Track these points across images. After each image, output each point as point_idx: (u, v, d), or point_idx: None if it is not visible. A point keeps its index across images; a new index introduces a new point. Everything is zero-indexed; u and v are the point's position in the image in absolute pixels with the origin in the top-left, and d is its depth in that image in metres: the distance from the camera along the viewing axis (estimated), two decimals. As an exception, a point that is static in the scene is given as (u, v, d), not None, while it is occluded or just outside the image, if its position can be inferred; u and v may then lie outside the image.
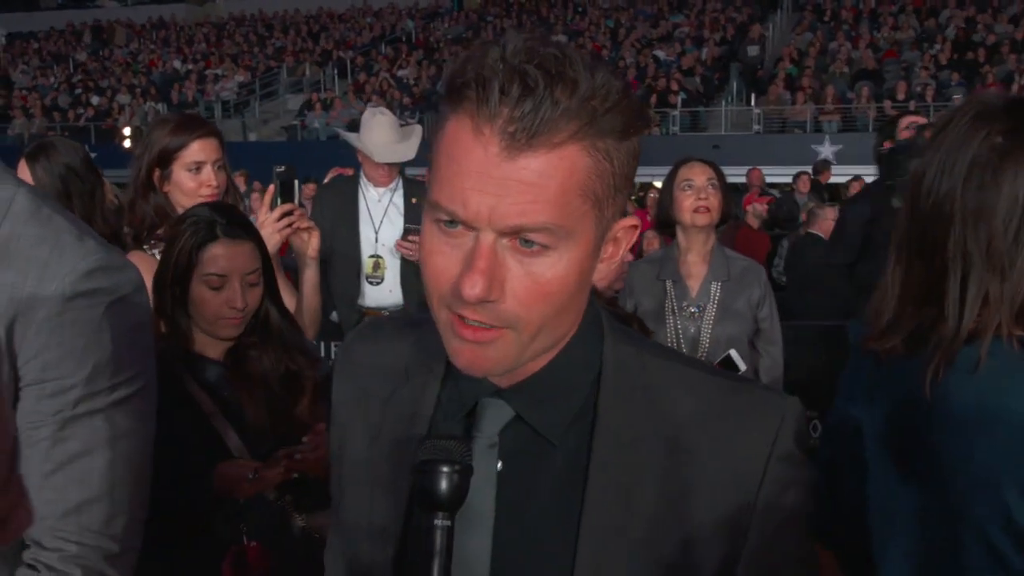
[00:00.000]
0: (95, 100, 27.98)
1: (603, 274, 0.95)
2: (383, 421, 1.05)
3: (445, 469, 0.89)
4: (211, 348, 2.17)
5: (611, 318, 1.02)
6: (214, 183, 2.75)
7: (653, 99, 22.04)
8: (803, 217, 8.75)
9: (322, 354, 5.92)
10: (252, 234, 2.21)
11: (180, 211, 2.64)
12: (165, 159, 2.74)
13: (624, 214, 0.93)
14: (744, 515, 0.93)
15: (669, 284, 3.40)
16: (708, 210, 3.32)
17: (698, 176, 3.34)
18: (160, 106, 26.03)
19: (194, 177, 2.74)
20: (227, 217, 2.18)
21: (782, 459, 0.94)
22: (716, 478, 0.93)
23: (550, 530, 0.95)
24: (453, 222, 0.86)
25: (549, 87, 0.82)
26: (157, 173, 2.75)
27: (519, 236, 0.85)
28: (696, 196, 3.32)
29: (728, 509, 0.93)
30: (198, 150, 2.75)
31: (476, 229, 0.85)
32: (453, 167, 0.86)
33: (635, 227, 0.95)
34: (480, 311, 0.87)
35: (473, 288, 0.84)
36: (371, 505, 1.03)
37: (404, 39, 29.77)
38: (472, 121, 0.85)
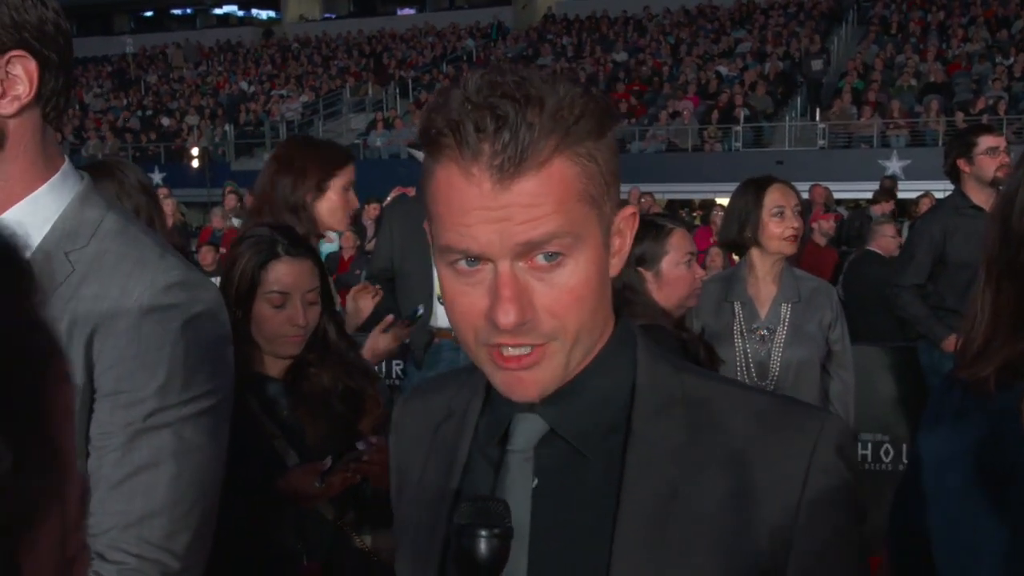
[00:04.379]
0: (165, 121, 28.75)
1: (618, 268, 0.97)
2: (427, 461, 1.06)
3: (484, 533, 0.88)
4: (271, 367, 2.18)
5: (645, 335, 1.02)
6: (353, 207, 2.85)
7: (715, 115, 21.85)
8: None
9: (383, 372, 5.97)
10: (311, 252, 2.24)
11: (321, 230, 2.81)
12: (326, 176, 2.78)
13: (620, 206, 0.97)
14: (785, 529, 0.92)
15: (737, 305, 3.29)
16: (797, 237, 3.23)
17: (789, 203, 3.23)
18: (228, 127, 26.65)
19: (347, 198, 2.81)
20: (287, 236, 2.20)
21: (822, 471, 0.93)
22: (755, 490, 0.92)
23: (586, 545, 0.94)
24: (469, 260, 0.89)
25: (520, 112, 0.85)
26: (313, 191, 2.78)
27: (533, 255, 0.88)
28: (789, 224, 3.21)
29: (769, 522, 0.92)
30: (351, 172, 2.83)
31: (492, 260, 0.88)
32: (454, 211, 0.88)
33: (634, 214, 0.98)
34: (519, 335, 0.89)
35: (507, 316, 0.87)
36: (416, 544, 1.04)
37: (465, 58, 30.03)
38: (458, 166, 0.87)
